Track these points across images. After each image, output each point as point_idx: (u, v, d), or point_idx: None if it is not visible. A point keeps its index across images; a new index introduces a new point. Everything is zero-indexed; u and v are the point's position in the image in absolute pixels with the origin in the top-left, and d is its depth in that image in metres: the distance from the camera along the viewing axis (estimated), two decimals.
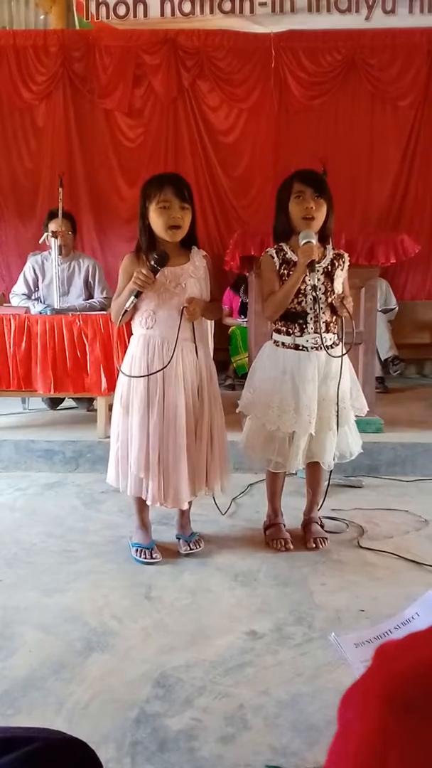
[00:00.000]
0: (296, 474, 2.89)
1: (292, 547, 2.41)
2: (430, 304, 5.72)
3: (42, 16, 5.77)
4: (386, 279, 5.34)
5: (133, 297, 2.17)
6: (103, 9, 5.65)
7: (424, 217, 5.67)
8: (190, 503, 2.38)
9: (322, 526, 2.55)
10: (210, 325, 2.47)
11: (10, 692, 1.58)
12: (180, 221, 2.19)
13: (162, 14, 5.63)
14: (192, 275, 2.25)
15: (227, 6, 5.60)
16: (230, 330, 5.08)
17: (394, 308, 5.32)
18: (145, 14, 5.64)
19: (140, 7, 5.63)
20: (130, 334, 2.38)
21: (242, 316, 5.07)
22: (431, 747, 0.38)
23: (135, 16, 5.64)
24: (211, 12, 5.62)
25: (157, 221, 2.19)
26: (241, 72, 5.53)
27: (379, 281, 4.14)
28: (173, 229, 2.19)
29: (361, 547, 2.43)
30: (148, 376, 2.22)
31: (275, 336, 2.40)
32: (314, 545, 2.42)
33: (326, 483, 2.55)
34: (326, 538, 2.47)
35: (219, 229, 5.66)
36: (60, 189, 4.00)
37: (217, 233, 5.65)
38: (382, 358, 4.84)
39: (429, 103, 5.55)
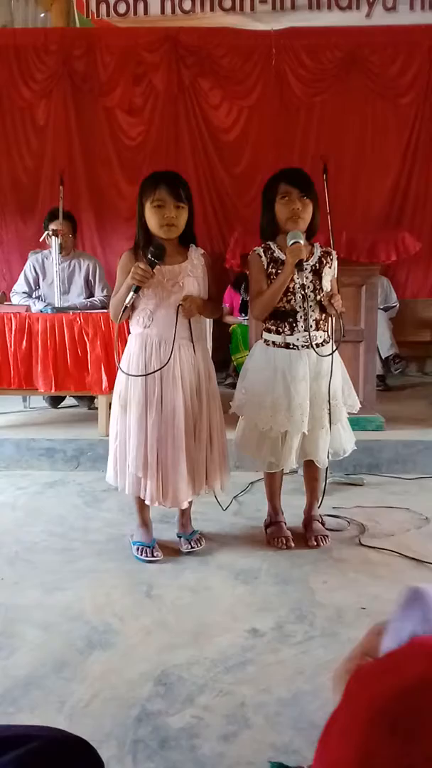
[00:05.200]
0: (297, 472, 2.89)
1: (293, 545, 2.42)
2: (431, 301, 5.71)
3: (42, 15, 5.75)
4: (387, 276, 5.33)
5: (132, 292, 2.16)
6: (103, 7, 5.63)
7: (425, 215, 5.65)
8: (190, 502, 2.38)
9: (323, 524, 2.55)
10: (208, 323, 2.46)
11: (11, 691, 1.58)
12: (174, 220, 2.18)
13: (162, 12, 5.61)
14: (190, 274, 2.24)
15: (227, 3, 5.58)
16: (231, 328, 5.07)
17: (395, 306, 5.31)
18: (146, 12, 5.62)
19: (140, 5, 5.61)
20: (129, 332, 2.38)
21: (243, 314, 5.06)
22: None
23: (135, 13, 5.62)
24: (212, 9, 5.60)
25: (151, 220, 2.20)
26: (242, 69, 5.51)
27: (380, 279, 4.13)
28: (167, 227, 2.18)
29: (362, 545, 2.43)
30: (146, 375, 2.21)
31: (265, 335, 2.40)
32: (315, 543, 2.42)
33: (323, 481, 2.55)
34: (327, 536, 2.47)
35: (220, 227, 5.64)
36: (60, 187, 4.00)
37: (218, 231, 5.63)
38: (383, 356, 4.83)
39: (430, 101, 5.53)
